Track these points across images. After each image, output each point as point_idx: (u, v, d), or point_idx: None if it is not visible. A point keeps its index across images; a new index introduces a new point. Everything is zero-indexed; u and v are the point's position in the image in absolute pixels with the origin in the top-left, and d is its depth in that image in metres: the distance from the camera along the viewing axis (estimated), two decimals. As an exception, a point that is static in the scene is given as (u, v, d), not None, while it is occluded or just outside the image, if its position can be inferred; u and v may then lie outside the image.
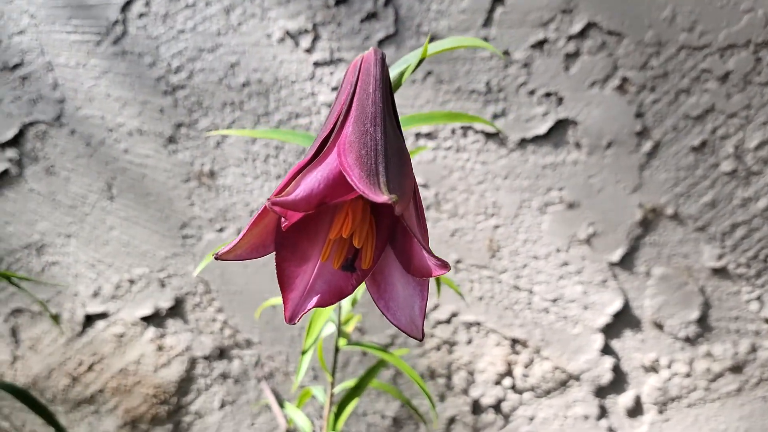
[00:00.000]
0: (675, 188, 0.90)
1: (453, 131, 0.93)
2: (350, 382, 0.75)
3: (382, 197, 0.34)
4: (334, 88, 0.95)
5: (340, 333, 0.71)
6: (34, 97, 0.99)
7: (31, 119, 1.00)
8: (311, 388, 0.78)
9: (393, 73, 0.50)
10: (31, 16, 0.98)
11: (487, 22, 0.91)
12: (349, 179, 0.36)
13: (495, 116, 0.92)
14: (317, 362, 1.02)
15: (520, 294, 0.96)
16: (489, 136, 0.93)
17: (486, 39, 0.91)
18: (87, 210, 1.02)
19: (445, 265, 0.36)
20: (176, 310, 1.03)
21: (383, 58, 0.45)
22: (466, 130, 0.93)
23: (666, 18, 0.87)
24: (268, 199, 0.34)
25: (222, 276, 1.01)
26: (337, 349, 0.71)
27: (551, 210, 0.93)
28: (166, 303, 1.02)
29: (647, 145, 0.90)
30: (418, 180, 0.95)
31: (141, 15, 0.96)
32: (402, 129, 0.53)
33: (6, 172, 1.02)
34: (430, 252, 0.36)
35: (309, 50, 0.94)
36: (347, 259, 0.40)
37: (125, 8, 0.96)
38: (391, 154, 0.39)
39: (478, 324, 0.97)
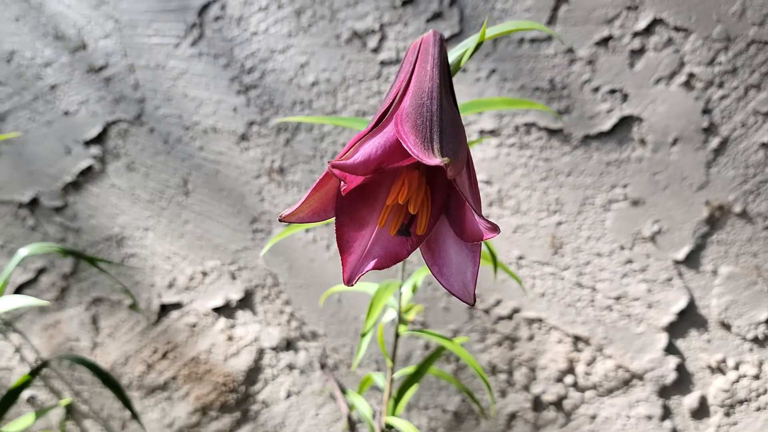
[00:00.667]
0: (743, 185, 0.89)
1: (516, 128, 0.95)
2: (410, 369, 0.77)
3: (435, 160, 0.36)
4: (400, 87, 0.97)
5: (401, 320, 0.73)
6: (117, 97, 1.05)
7: (114, 118, 1.05)
8: (372, 374, 0.79)
9: (452, 57, 0.52)
10: (115, 21, 1.04)
11: (552, 20, 0.92)
12: (404, 145, 0.38)
13: (559, 113, 0.93)
14: (380, 355, 1.04)
15: (582, 291, 0.96)
16: (552, 133, 0.93)
17: (549, 37, 0.92)
18: (164, 204, 1.07)
19: (495, 228, 0.38)
20: (246, 302, 1.06)
21: (442, 39, 0.47)
22: (529, 127, 0.94)
23: (735, 12, 0.87)
24: (329, 162, 0.37)
25: (290, 270, 1.04)
26: (397, 335, 0.73)
27: (615, 207, 0.93)
28: (236, 295, 1.06)
29: (714, 142, 0.89)
30: (481, 176, 0.96)
31: (217, 18, 1.01)
32: (462, 115, 0.55)
33: (90, 168, 1.08)
34: (480, 214, 0.38)
35: (376, 50, 0.97)
36: (403, 225, 0.42)
37: (202, 12, 1.01)
38: (446, 125, 0.41)
39: (540, 320, 0.97)
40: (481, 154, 0.96)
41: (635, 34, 0.90)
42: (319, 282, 1.04)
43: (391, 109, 0.43)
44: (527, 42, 0.93)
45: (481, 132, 0.96)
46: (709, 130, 0.89)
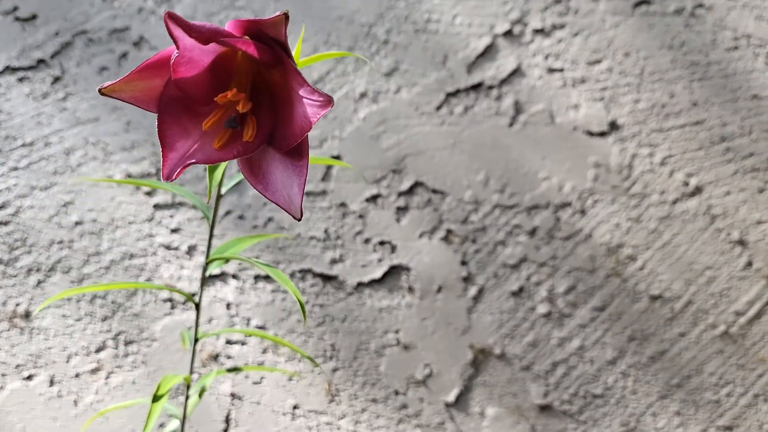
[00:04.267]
0: (500, 329, 0.97)
1: (292, 274, 0.95)
2: None
3: (275, 13, 0.37)
4: (174, 230, 0.95)
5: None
6: None
7: None
8: None
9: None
10: None
11: (326, 177, 0.99)
12: (246, 20, 0.38)
13: (333, 261, 0.96)
14: None
15: (359, 443, 0.92)
16: (327, 279, 0.96)
17: (324, 192, 0.99)
18: None
19: (329, 100, 0.38)
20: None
21: None
22: (304, 273, 0.96)
23: (480, 181, 1.01)
24: (165, 12, 0.36)
25: (20, 433, 0.87)
26: None
27: (388, 352, 0.94)
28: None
29: (473, 290, 0.97)
30: (255, 322, 0.93)
31: (-29, 150, 0.93)
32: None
33: None
34: (310, 86, 0.38)
35: (150, 193, 0.95)
36: (231, 117, 0.40)
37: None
38: None
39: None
40: (256, 299, 0.94)
41: (400, 194, 0.99)
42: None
43: None
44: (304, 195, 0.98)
45: (256, 277, 0.95)
46: (468, 280, 0.98)
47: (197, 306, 0.60)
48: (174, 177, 0.38)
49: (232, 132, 0.40)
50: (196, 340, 0.61)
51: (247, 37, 0.38)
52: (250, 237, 0.62)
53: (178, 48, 0.37)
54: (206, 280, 0.94)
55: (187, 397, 0.63)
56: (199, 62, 0.39)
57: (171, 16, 0.35)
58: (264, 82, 0.41)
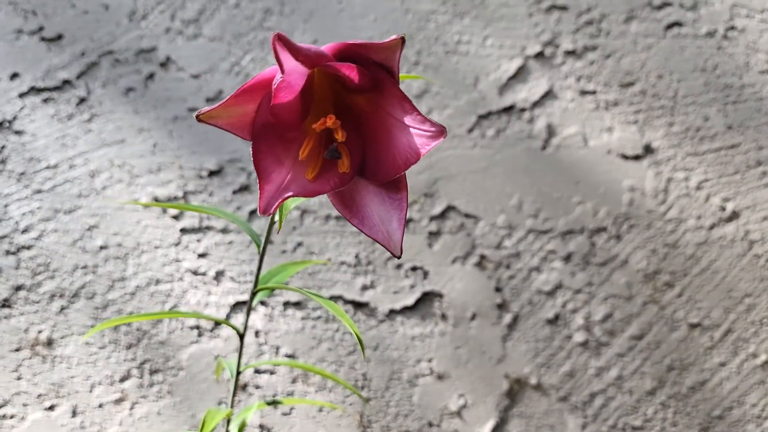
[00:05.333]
0: (536, 359, 0.94)
1: (322, 301, 0.93)
2: None
3: (391, 37, 0.35)
4: (201, 255, 0.92)
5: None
6: None
7: None
8: None
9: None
10: None
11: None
12: (351, 43, 0.36)
13: (364, 287, 0.93)
14: None
15: (392, 476, 0.89)
16: (358, 306, 0.93)
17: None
18: None
19: (442, 131, 0.35)
20: None
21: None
22: (335, 300, 0.93)
23: (514, 205, 0.99)
24: (274, 34, 0.34)
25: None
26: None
27: (421, 382, 0.92)
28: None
29: (508, 317, 0.95)
30: (285, 350, 0.90)
31: (-7, 172, 0.91)
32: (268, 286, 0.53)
33: None
34: (421, 114, 0.36)
35: (176, 217, 0.93)
36: (332, 146, 0.38)
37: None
38: None
39: None
40: (285, 326, 0.91)
41: (432, 218, 0.97)
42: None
43: None
44: (333, 219, 0.96)
45: (285, 304, 0.92)
46: (502, 307, 0.95)
47: (241, 336, 0.57)
48: (271, 211, 0.36)
49: (323, 162, 0.37)
50: (239, 372, 0.58)
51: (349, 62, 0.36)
52: (293, 264, 0.59)
53: (282, 72, 0.35)
54: (235, 307, 0.91)
55: (227, 432, 0.61)
56: (296, 86, 0.36)
57: (280, 38, 0.33)
58: (345, 107, 0.38)
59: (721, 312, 0.97)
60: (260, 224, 0.95)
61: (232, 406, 0.59)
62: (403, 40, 0.34)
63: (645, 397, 0.93)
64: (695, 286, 0.98)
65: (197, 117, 0.36)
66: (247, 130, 0.37)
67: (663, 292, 0.97)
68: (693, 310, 0.97)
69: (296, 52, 0.34)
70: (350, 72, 0.36)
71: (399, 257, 0.37)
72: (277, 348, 0.91)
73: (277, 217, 0.46)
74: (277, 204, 0.37)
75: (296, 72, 0.35)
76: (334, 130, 0.37)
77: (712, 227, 1.01)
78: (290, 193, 0.37)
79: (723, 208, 1.02)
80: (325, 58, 0.35)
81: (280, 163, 0.38)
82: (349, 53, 0.36)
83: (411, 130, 0.35)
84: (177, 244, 0.92)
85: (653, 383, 0.94)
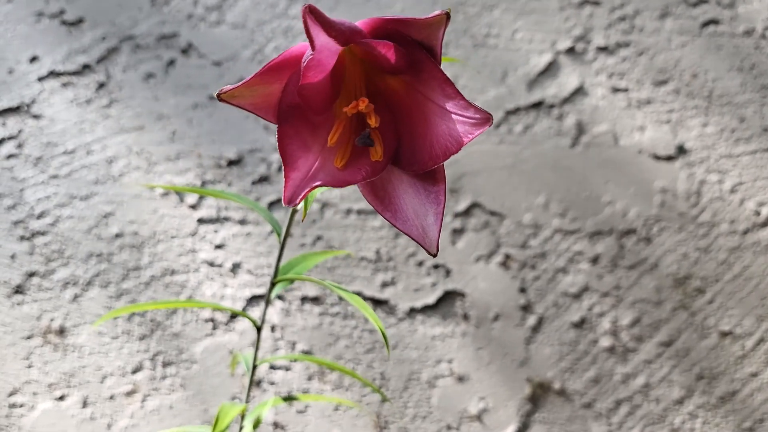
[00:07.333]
0: (560, 363, 0.91)
1: (341, 297, 0.90)
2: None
3: (434, 13, 0.32)
4: (218, 246, 0.90)
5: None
6: None
7: None
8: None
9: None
10: None
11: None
12: (387, 19, 0.33)
13: (384, 284, 0.91)
14: None
15: (408, 479, 0.86)
16: (378, 303, 0.90)
17: (376, 210, 0.94)
18: None
19: (488, 118, 0.32)
20: None
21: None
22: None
23: (539, 204, 0.95)
24: (306, 6, 0.31)
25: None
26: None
27: (441, 383, 0.89)
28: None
29: (532, 319, 0.92)
30: (301, 346, 0.88)
31: (9, 156, 0.89)
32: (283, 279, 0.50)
33: None
34: (465, 99, 0.33)
35: (194, 206, 0.91)
36: (364, 133, 0.35)
37: (-5, 144, 0.89)
38: None
39: None
40: (302, 322, 0.89)
41: (456, 215, 0.94)
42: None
43: None
44: (354, 213, 0.93)
45: (303, 299, 0.90)
46: (527, 308, 0.92)
47: (258, 329, 0.55)
48: (297, 202, 0.33)
49: (354, 149, 0.34)
50: (255, 366, 0.56)
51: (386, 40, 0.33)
52: (314, 254, 0.57)
53: (313, 48, 0.32)
54: (252, 301, 0.89)
55: (241, 428, 0.58)
56: (326, 65, 0.33)
57: (312, 11, 0.30)
58: (378, 90, 0.35)
59: (754, 320, 0.93)
60: (279, 216, 0.93)
61: (247, 401, 0.57)
62: (448, 15, 0.31)
63: (672, 407, 0.90)
64: (727, 293, 0.94)
65: (218, 96, 0.33)
66: (273, 112, 0.34)
67: (693, 298, 0.94)
68: (724, 318, 0.93)
69: (329, 27, 0.31)
70: (387, 51, 0.33)
71: (435, 255, 0.34)
72: (294, 344, 0.88)
73: (300, 206, 0.43)
74: (303, 194, 0.34)
75: (328, 49, 0.32)
76: (367, 114, 0.34)
77: (746, 232, 0.97)
78: (318, 183, 0.34)
79: (758, 213, 0.98)
80: (360, 35, 0.33)
81: (308, 149, 0.35)
82: (385, 30, 0.33)
83: (453, 116, 0.32)
84: (194, 235, 0.90)
85: (681, 392, 0.90)
